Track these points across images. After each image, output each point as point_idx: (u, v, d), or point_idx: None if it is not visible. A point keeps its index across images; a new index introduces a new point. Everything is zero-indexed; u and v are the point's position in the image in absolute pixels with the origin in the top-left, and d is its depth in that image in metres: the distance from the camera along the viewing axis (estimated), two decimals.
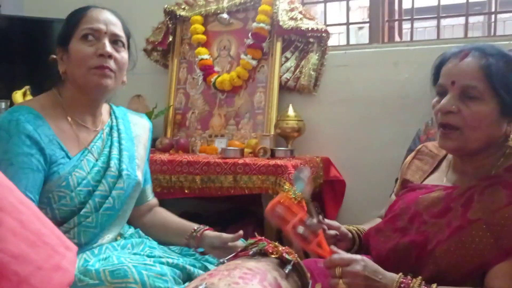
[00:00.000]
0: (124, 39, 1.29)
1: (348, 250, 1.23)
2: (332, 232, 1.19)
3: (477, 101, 1.06)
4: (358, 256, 1.02)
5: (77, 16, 1.26)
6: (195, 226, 1.39)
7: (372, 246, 1.21)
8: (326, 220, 1.19)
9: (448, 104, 1.07)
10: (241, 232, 1.32)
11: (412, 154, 1.36)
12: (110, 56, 1.23)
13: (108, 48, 1.23)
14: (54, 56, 1.28)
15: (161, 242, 1.40)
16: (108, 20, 1.26)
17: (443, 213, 1.09)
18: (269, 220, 1.13)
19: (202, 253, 1.36)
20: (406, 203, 1.18)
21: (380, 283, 1.00)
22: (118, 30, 1.28)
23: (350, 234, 1.25)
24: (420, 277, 1.01)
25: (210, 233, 1.36)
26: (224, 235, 1.33)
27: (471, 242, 1.02)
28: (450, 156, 1.23)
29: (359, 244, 1.26)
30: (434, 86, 1.17)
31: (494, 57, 1.06)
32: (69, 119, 1.26)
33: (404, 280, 1.00)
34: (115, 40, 1.27)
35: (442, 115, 1.09)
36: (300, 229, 1.05)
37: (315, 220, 1.07)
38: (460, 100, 1.07)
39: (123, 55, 1.28)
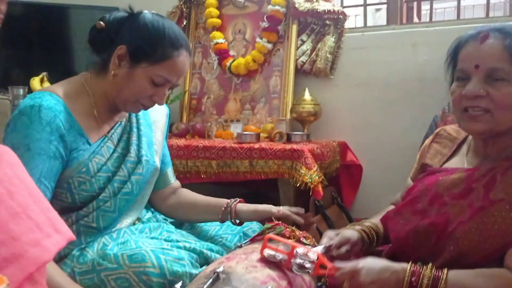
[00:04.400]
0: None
1: (362, 250, 1.22)
2: (343, 249, 1.16)
3: (504, 82, 1.03)
4: (359, 265, 1.01)
5: (174, 52, 1.20)
6: (224, 203, 1.39)
7: (390, 228, 1.19)
8: (334, 240, 1.17)
9: (475, 89, 1.04)
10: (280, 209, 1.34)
11: (431, 137, 1.33)
12: None
13: (164, 99, 1.26)
14: (102, 24, 1.22)
15: (191, 221, 1.45)
16: (184, 72, 1.26)
17: (464, 194, 1.07)
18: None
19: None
20: (426, 185, 1.16)
21: (391, 280, 0.99)
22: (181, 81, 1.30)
23: (360, 236, 1.21)
24: (430, 264, 1.01)
25: (243, 208, 1.36)
26: (260, 208, 1.35)
27: (493, 222, 1.00)
28: (470, 138, 1.21)
29: (372, 240, 1.24)
30: (449, 72, 1.14)
31: None
32: (95, 110, 1.24)
33: (415, 269, 0.99)
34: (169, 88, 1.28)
35: (468, 100, 1.06)
36: (295, 264, 1.00)
37: (305, 250, 1.02)
38: (486, 83, 1.04)
39: None
